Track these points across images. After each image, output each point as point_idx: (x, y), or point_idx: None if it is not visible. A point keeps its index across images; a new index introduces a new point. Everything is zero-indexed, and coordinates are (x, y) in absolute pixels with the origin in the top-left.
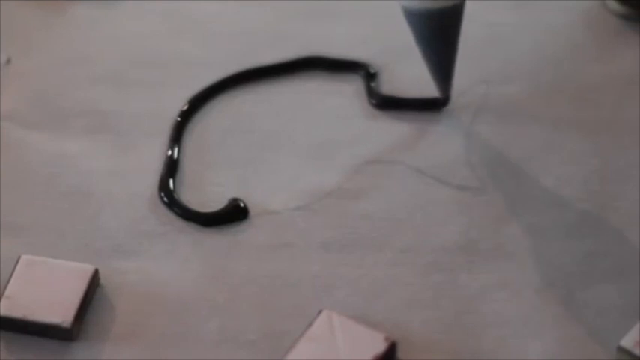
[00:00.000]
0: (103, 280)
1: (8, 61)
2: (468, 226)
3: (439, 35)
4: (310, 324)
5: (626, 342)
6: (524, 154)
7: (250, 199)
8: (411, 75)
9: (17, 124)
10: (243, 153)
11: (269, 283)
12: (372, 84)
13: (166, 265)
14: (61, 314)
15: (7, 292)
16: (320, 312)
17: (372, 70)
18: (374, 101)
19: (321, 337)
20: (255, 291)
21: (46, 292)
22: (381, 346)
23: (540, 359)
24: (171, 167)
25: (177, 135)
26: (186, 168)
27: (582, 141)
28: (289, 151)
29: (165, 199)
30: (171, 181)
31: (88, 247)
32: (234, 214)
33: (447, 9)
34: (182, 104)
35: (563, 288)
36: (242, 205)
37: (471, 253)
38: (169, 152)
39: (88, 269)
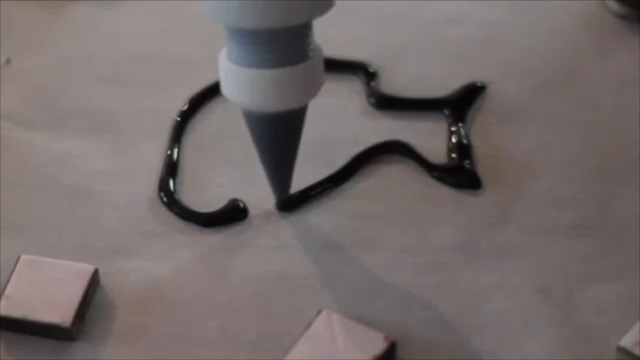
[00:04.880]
0: (103, 280)
1: (8, 61)
2: (468, 226)
3: (282, 137)
4: (310, 324)
5: (626, 342)
6: (524, 154)
7: (250, 199)
8: (411, 75)
9: (17, 124)
10: (243, 153)
11: (269, 283)
12: (372, 84)
13: (166, 265)
14: (61, 314)
15: (7, 292)
16: (319, 312)
17: (371, 70)
18: (373, 101)
19: (320, 337)
20: (255, 291)
21: (46, 292)
22: (380, 346)
23: (540, 359)
24: (171, 167)
25: (177, 135)
26: (186, 168)
27: (582, 141)
28: None
29: (165, 199)
30: (171, 181)
31: (88, 247)
32: (233, 214)
33: (293, 111)
34: (182, 104)
35: (562, 288)
36: (242, 205)
37: (470, 253)
38: (169, 152)
39: (88, 269)
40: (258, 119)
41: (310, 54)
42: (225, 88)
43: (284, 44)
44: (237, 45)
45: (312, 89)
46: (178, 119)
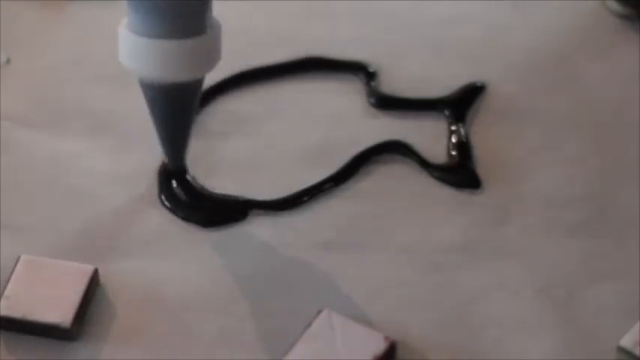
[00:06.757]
0: (103, 280)
1: (8, 61)
2: (468, 226)
3: (176, 108)
4: (310, 324)
5: (626, 342)
6: (524, 154)
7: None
8: (411, 75)
9: (17, 124)
10: (243, 153)
11: (269, 283)
12: (372, 84)
13: (166, 265)
14: (61, 314)
15: (7, 292)
16: (319, 312)
17: (371, 70)
18: (373, 101)
19: (320, 337)
20: (254, 291)
21: (46, 292)
22: (381, 346)
23: (540, 359)
24: None
25: None
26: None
27: (582, 141)
28: (289, 151)
29: (165, 200)
30: (171, 182)
31: (88, 247)
32: (233, 214)
33: (187, 83)
34: None
35: (562, 288)
36: (242, 205)
37: (470, 253)
38: None
39: (88, 269)
40: (153, 89)
41: (207, 29)
42: (123, 57)
43: (181, 16)
44: (136, 15)
45: (206, 63)
46: None
